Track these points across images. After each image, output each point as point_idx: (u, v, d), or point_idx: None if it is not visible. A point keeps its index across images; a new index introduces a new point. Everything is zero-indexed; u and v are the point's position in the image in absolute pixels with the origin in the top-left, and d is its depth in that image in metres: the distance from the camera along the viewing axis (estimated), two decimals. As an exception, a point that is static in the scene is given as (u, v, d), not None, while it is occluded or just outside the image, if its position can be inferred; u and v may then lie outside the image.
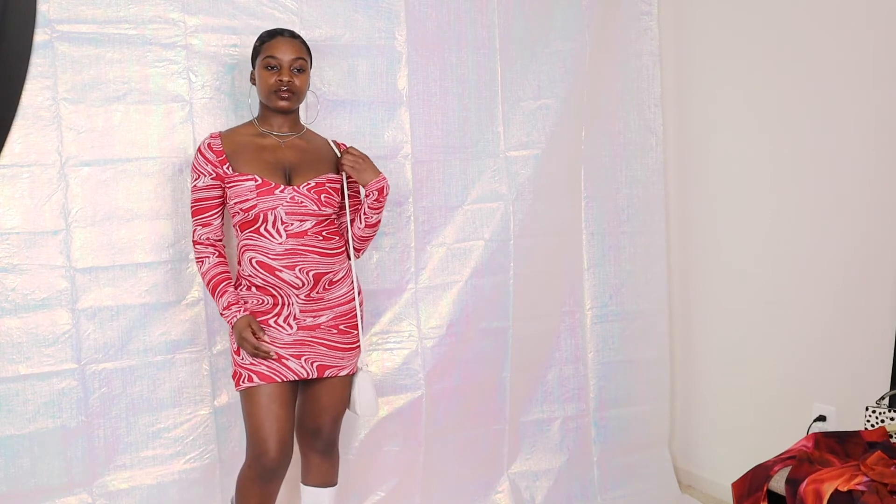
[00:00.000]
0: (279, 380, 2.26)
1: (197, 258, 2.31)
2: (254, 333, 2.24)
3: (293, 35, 2.34)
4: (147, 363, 2.46)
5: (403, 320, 2.82)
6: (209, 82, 2.49)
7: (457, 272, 2.89)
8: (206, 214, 2.29)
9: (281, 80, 2.27)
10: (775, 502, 2.12)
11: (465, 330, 2.91)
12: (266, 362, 2.26)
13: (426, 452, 2.87)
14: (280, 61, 2.28)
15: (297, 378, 2.29)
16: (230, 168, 2.26)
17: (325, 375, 2.33)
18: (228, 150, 2.28)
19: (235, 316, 2.25)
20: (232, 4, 2.51)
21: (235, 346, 2.29)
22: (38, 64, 2.29)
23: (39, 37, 2.25)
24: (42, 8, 2.23)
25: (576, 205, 3.12)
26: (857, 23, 2.55)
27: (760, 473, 2.17)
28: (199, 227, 2.30)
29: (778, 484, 2.10)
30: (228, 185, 2.26)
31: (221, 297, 2.26)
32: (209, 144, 2.28)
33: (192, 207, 2.31)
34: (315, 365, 2.31)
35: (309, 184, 2.28)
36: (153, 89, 2.43)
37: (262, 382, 2.25)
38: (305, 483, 2.47)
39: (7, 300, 2.29)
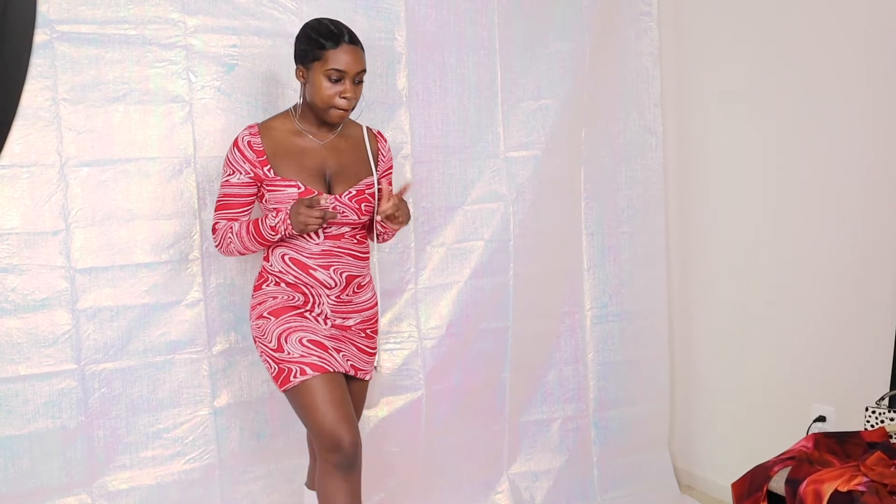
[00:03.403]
0: (331, 370, 2.15)
1: (221, 239, 2.22)
2: (310, 205, 2.07)
3: (354, 41, 2.15)
4: (147, 364, 2.46)
5: (403, 321, 2.82)
6: (209, 82, 2.49)
7: (457, 272, 2.89)
8: (235, 210, 2.22)
9: (346, 98, 2.14)
10: (775, 503, 2.12)
11: (464, 330, 2.91)
12: (317, 353, 2.14)
13: (426, 452, 2.87)
14: (344, 74, 2.12)
15: (343, 371, 2.21)
16: (271, 170, 2.17)
17: (357, 376, 2.28)
18: (269, 150, 2.18)
19: (286, 212, 2.11)
20: (232, 4, 2.51)
21: (274, 343, 2.17)
22: (37, 64, 2.28)
23: (39, 37, 2.25)
24: (42, 8, 2.23)
25: (575, 205, 3.12)
26: (857, 22, 2.54)
27: (760, 474, 2.17)
28: (223, 222, 2.22)
29: (778, 484, 2.10)
30: (269, 189, 2.18)
31: (263, 221, 2.14)
32: (249, 142, 2.18)
33: (219, 201, 2.23)
34: (349, 364, 2.25)
35: (350, 192, 2.21)
36: (153, 90, 2.42)
37: (317, 374, 2.12)
38: (313, 488, 2.40)
39: (7, 300, 2.29)
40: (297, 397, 2.13)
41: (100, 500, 2.42)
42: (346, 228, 2.23)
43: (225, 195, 2.22)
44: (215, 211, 2.25)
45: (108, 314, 2.40)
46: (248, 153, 2.18)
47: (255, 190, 2.21)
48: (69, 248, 2.35)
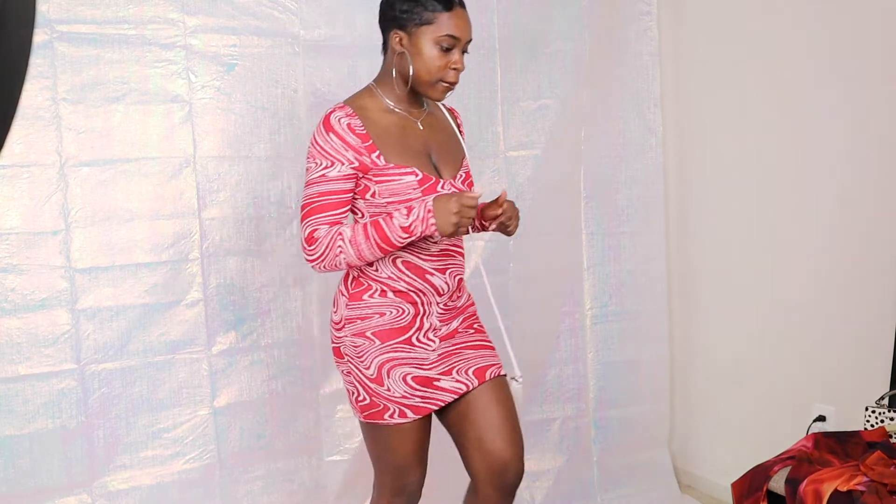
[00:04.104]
0: (433, 408, 1.91)
1: (326, 250, 1.78)
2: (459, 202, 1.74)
3: (463, 4, 1.86)
4: (147, 363, 2.46)
5: (403, 320, 2.81)
6: (209, 82, 2.48)
7: (456, 272, 2.88)
8: (337, 212, 1.80)
9: (456, 69, 1.84)
10: (775, 502, 2.12)
11: (464, 330, 2.90)
12: (419, 393, 1.89)
13: (426, 453, 2.86)
14: (457, 42, 1.82)
15: (453, 398, 1.93)
16: (381, 157, 1.81)
17: (487, 377, 1.95)
18: (373, 133, 1.81)
19: (423, 208, 1.75)
20: (231, 4, 2.51)
21: (373, 372, 1.87)
22: (37, 64, 2.29)
23: (39, 37, 2.25)
24: (42, 8, 2.23)
25: (575, 205, 3.12)
26: (858, 24, 2.55)
27: (760, 473, 2.17)
28: (325, 227, 1.79)
29: (777, 484, 2.10)
30: (379, 180, 1.81)
31: (389, 222, 1.77)
32: (348, 125, 1.79)
33: (312, 202, 1.80)
34: (471, 371, 1.94)
35: (461, 175, 1.95)
36: (153, 89, 2.42)
37: (417, 417, 1.89)
38: None
39: (7, 300, 2.29)
40: (384, 435, 1.92)
41: (100, 500, 2.42)
42: None
43: (321, 193, 1.79)
44: (307, 217, 1.81)
45: (107, 314, 2.40)
46: (350, 138, 1.79)
47: (354, 185, 1.83)
48: (69, 248, 2.35)
